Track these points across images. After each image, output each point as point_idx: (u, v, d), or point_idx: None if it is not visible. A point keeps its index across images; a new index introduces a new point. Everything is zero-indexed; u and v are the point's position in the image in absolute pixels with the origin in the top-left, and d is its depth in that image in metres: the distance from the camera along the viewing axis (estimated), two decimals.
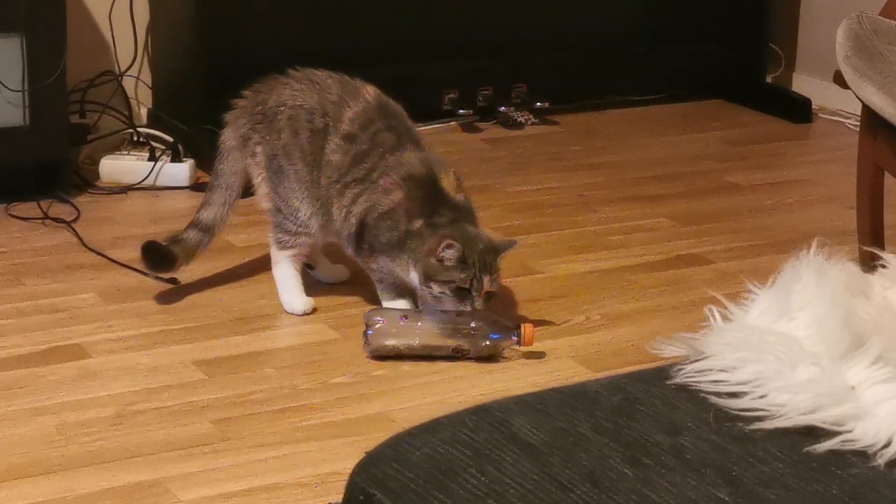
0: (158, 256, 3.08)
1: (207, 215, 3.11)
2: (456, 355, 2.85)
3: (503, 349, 2.86)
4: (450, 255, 2.81)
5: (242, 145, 3.09)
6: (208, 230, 3.11)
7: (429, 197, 2.91)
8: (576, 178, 4.02)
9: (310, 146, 3.00)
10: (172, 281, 3.17)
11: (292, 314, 3.05)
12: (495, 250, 2.86)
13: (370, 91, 3.04)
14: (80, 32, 3.98)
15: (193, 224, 3.12)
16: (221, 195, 3.11)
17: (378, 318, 2.86)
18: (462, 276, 2.81)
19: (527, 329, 2.83)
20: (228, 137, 3.11)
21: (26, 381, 2.73)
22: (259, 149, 3.06)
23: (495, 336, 2.84)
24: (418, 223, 2.89)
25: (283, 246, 3.05)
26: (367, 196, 2.94)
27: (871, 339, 1.68)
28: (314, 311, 3.06)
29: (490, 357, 2.85)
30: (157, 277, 3.16)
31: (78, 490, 2.36)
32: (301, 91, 3.04)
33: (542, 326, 3.00)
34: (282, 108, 3.04)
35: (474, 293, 2.82)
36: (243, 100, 3.11)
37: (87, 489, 2.36)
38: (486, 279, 2.83)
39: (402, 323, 2.85)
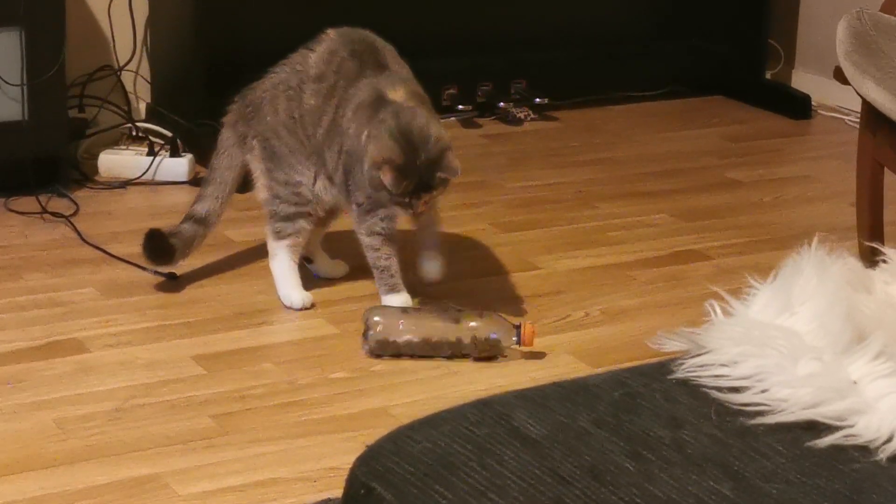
0: (160, 248, 3.08)
1: (201, 208, 3.13)
2: (455, 355, 2.84)
3: (503, 349, 2.85)
4: (386, 179, 2.79)
5: (241, 143, 3.11)
6: (203, 222, 3.12)
7: (373, 110, 2.90)
8: (575, 174, 4.02)
9: (287, 112, 3.03)
10: (171, 276, 3.17)
11: (290, 308, 3.05)
12: (433, 166, 2.82)
13: (332, 31, 3.07)
14: (79, 27, 3.98)
15: (188, 217, 3.13)
16: (215, 189, 3.13)
17: (377, 318, 2.85)
18: (399, 198, 2.82)
19: (527, 328, 2.81)
20: (228, 137, 3.14)
21: (25, 376, 2.72)
22: (255, 142, 3.09)
23: (495, 336, 2.83)
24: (364, 135, 2.88)
25: (279, 236, 3.05)
26: (341, 141, 2.96)
27: (872, 333, 1.67)
28: (313, 305, 3.06)
29: (490, 357, 2.84)
30: (155, 272, 3.16)
31: (77, 484, 2.35)
32: (276, 73, 3.08)
33: (542, 322, 3.00)
34: (264, 95, 3.08)
35: (413, 204, 2.83)
36: (235, 104, 3.14)
37: (86, 483, 2.36)
38: (423, 196, 2.82)
39: (400, 323, 2.84)
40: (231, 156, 3.12)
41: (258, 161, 3.08)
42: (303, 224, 3.04)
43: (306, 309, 3.05)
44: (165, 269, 3.15)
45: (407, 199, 2.82)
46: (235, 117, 3.13)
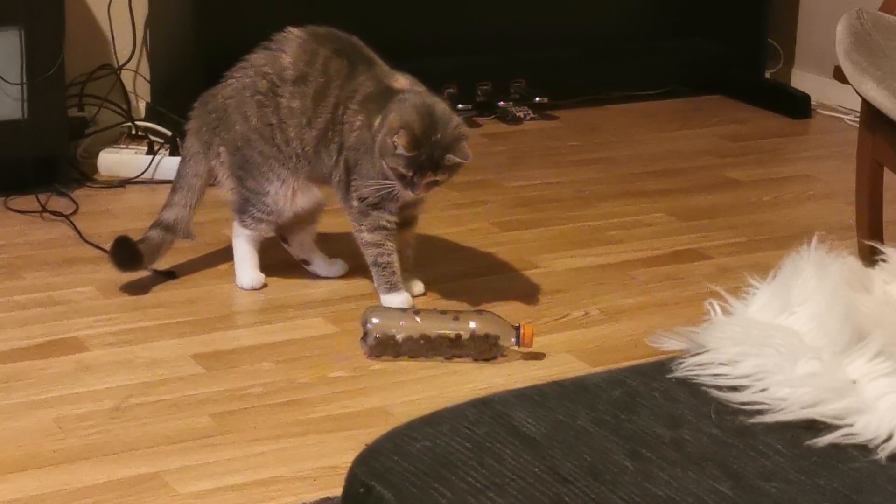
0: (127, 253, 3.08)
1: (169, 215, 3.13)
2: (454, 355, 2.83)
3: (502, 349, 2.84)
4: (400, 143, 2.81)
5: (206, 150, 3.12)
6: (171, 229, 3.13)
7: (384, 99, 2.93)
8: (575, 174, 4.02)
9: (261, 119, 3.02)
10: (170, 275, 3.17)
11: (241, 288, 3.11)
12: (446, 148, 2.85)
13: (294, 30, 3.07)
14: (79, 26, 3.97)
15: (156, 224, 3.13)
16: (183, 197, 3.14)
17: (376, 319, 2.84)
18: (404, 169, 2.83)
19: (526, 329, 2.81)
20: (192, 144, 3.15)
21: (24, 375, 2.72)
22: (222, 149, 3.10)
23: (494, 336, 2.82)
24: (377, 120, 2.90)
25: (244, 225, 3.11)
26: (341, 139, 2.97)
27: (872, 333, 1.67)
28: (263, 286, 3.11)
29: (489, 357, 2.84)
30: (154, 272, 3.16)
31: (76, 483, 2.35)
32: (238, 78, 3.08)
33: (542, 321, 2.99)
34: (229, 101, 3.07)
35: (416, 181, 2.84)
36: (195, 111, 3.15)
37: (85, 482, 2.35)
38: (429, 174, 2.84)
39: (400, 323, 2.84)
40: (197, 163, 3.13)
41: (224, 167, 3.10)
42: (266, 228, 3.11)
43: (255, 289, 3.11)
44: (133, 271, 3.13)
45: (411, 174, 2.82)
46: (198, 124, 3.13)
